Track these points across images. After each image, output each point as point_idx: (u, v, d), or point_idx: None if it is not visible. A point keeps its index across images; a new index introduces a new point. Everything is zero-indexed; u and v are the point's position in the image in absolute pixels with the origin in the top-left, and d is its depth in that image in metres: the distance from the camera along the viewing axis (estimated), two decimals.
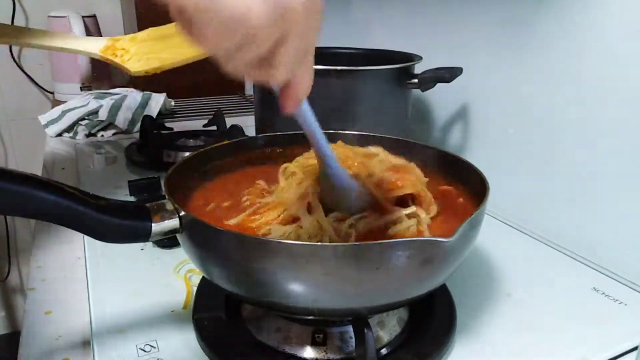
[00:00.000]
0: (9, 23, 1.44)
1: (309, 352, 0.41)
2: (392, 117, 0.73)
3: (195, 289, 0.49)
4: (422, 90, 0.71)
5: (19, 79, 1.53)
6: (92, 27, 1.36)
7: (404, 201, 0.44)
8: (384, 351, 0.42)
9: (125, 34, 1.58)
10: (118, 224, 0.36)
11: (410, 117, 0.77)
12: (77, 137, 1.00)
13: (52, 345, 0.43)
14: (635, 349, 0.44)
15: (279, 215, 0.42)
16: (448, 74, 0.68)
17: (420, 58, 0.73)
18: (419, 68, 0.71)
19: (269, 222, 0.42)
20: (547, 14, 0.61)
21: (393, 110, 0.73)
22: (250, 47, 0.25)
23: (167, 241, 0.56)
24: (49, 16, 1.27)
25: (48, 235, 0.61)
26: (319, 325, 0.42)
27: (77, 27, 1.26)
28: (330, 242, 0.39)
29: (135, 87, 1.56)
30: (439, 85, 0.70)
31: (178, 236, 0.39)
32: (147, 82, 1.38)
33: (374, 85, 0.69)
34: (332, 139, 0.57)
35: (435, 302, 0.47)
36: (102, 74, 1.40)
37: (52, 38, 0.54)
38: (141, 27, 1.30)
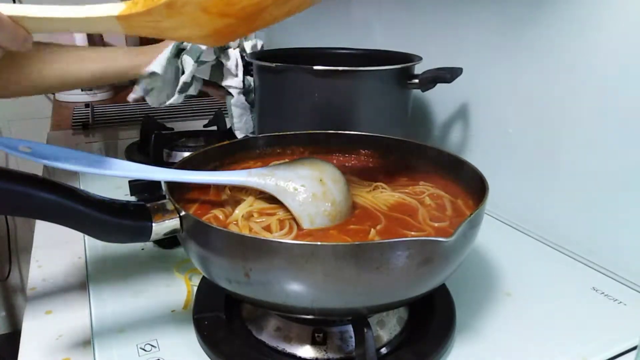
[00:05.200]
0: None
1: (308, 351, 0.41)
2: (393, 117, 0.73)
3: (195, 288, 0.49)
4: (423, 91, 0.71)
5: None
6: None
7: None
8: (383, 350, 0.42)
9: (125, 34, 1.59)
10: (118, 223, 0.36)
11: (410, 116, 0.77)
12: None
13: (52, 345, 0.43)
14: (634, 348, 0.44)
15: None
16: (448, 74, 0.68)
17: (420, 58, 0.73)
18: (419, 68, 0.71)
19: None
20: (547, 14, 0.61)
21: (393, 110, 0.73)
22: None
23: (168, 241, 0.56)
24: None
25: (48, 234, 0.61)
26: (319, 325, 0.42)
27: None
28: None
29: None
30: (439, 85, 0.69)
31: (178, 236, 0.39)
32: None
33: (375, 86, 0.69)
34: (330, 139, 0.58)
35: (435, 301, 0.47)
36: None
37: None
38: None
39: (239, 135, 0.87)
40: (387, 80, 0.70)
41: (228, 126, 0.92)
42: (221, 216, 0.44)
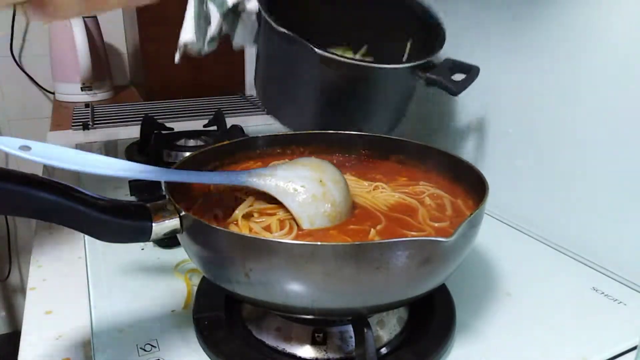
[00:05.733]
0: (10, 23, 1.44)
1: (308, 351, 0.41)
2: (398, 106, 0.71)
3: (195, 288, 0.50)
4: (426, 85, 0.66)
5: (19, 79, 1.53)
6: (93, 28, 1.36)
7: None
8: (383, 350, 0.42)
9: (125, 34, 1.59)
10: (118, 223, 0.36)
11: (411, 116, 0.77)
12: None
13: (52, 345, 0.43)
14: (634, 348, 0.44)
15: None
16: (455, 88, 0.63)
17: (441, 44, 0.67)
18: None
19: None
20: (548, 14, 0.61)
21: (400, 99, 0.70)
22: None
23: (168, 241, 0.56)
24: None
25: (48, 235, 0.61)
26: (319, 325, 0.42)
27: (78, 27, 1.26)
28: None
29: (137, 89, 1.57)
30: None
31: (178, 236, 0.39)
32: (147, 82, 1.38)
33: (391, 80, 0.66)
34: (330, 139, 0.58)
35: (435, 301, 0.47)
36: (103, 74, 1.40)
37: None
38: (142, 27, 1.30)
39: (235, 45, 0.84)
40: (405, 75, 0.66)
41: (228, 126, 0.92)
42: (221, 216, 0.44)
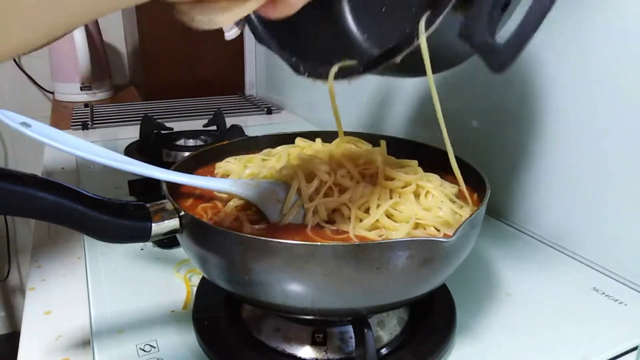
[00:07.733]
0: None
1: (308, 352, 0.41)
2: None
3: (195, 289, 0.49)
4: None
5: (19, 79, 1.53)
6: (93, 28, 1.36)
7: None
8: (384, 351, 0.42)
9: (125, 34, 1.59)
10: (118, 223, 0.36)
11: (412, 116, 0.77)
12: None
13: (51, 345, 0.43)
14: (635, 349, 0.44)
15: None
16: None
17: None
18: None
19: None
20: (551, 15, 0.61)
21: None
22: None
23: (167, 241, 0.56)
24: None
25: (48, 235, 0.61)
26: (319, 325, 0.42)
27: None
28: None
29: (136, 89, 1.57)
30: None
31: (178, 236, 0.39)
32: (147, 81, 1.38)
33: None
34: (329, 138, 0.58)
35: (435, 302, 0.47)
36: (102, 73, 1.40)
37: None
38: (141, 27, 1.30)
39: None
40: None
41: (228, 126, 0.92)
42: (219, 204, 0.44)
